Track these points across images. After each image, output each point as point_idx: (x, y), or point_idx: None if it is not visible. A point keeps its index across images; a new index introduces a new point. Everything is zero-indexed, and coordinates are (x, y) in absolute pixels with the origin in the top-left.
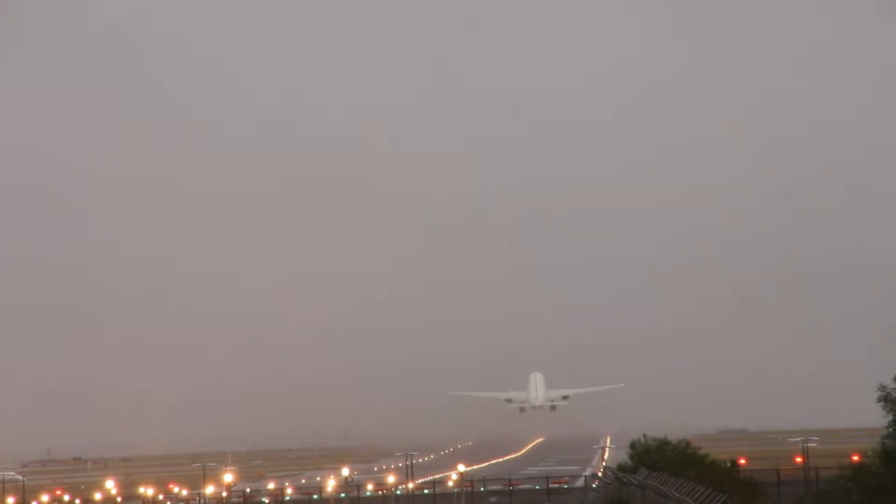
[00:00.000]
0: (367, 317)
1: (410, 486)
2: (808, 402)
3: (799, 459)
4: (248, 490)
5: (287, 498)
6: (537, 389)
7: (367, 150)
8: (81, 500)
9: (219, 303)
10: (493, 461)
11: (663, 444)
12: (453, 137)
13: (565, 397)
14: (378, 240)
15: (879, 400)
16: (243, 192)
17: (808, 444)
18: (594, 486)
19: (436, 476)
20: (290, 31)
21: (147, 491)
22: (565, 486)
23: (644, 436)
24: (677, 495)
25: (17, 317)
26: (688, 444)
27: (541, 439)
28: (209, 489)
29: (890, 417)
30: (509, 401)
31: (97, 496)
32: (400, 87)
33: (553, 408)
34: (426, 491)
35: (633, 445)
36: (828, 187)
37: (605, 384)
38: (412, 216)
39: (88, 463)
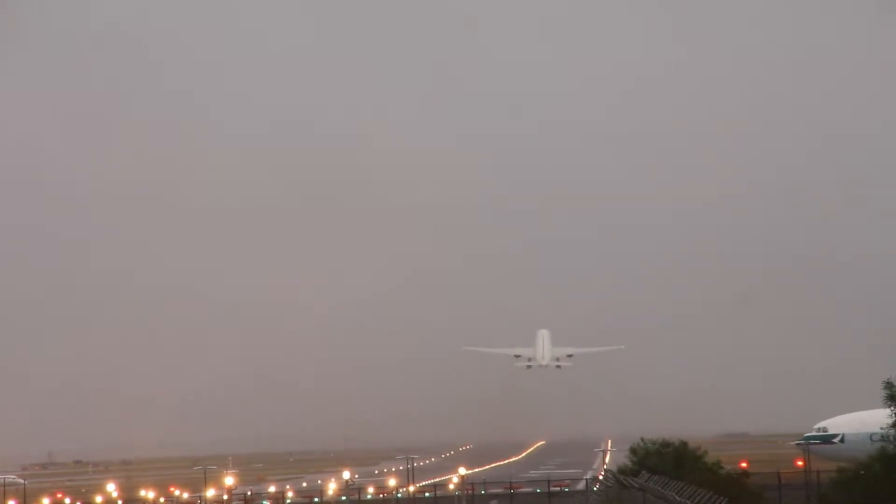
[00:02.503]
0: (367, 317)
1: (411, 489)
2: (809, 404)
3: (800, 463)
4: (249, 493)
5: (288, 501)
6: (544, 347)
7: (367, 150)
8: (82, 503)
9: (219, 303)
10: (495, 464)
11: (664, 446)
12: (453, 137)
13: (570, 356)
14: (378, 240)
15: (886, 399)
16: (243, 191)
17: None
18: (595, 489)
19: (437, 479)
20: (290, 31)
21: (148, 494)
22: (566, 490)
23: (642, 439)
24: (678, 499)
25: (17, 317)
26: (686, 445)
27: (542, 442)
28: (210, 492)
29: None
30: (518, 356)
31: (98, 499)
32: (400, 87)
33: (558, 367)
34: (427, 494)
35: (633, 450)
36: (828, 187)
37: (607, 346)
38: (412, 216)
39: (89, 466)
